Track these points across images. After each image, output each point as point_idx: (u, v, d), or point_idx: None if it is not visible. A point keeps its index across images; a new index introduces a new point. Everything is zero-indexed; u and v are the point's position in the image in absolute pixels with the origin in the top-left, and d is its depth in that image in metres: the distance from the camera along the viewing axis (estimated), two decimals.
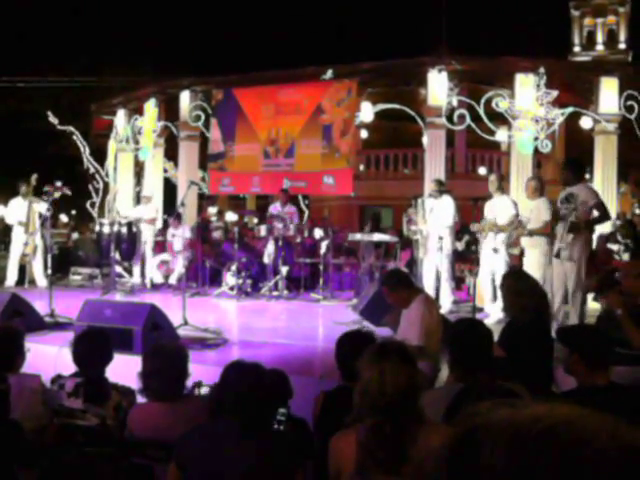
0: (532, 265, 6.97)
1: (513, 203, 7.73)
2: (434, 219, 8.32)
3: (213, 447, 2.47)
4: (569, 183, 6.51)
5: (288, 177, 11.98)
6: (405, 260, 10.06)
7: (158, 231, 11.39)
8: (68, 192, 8.77)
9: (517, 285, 4.20)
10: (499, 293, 7.47)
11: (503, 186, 8.00)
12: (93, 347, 3.57)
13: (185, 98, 13.20)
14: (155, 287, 10.54)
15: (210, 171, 13.09)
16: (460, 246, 9.69)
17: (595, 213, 6.48)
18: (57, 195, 8.55)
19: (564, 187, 6.62)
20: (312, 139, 11.88)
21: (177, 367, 3.16)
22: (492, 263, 7.62)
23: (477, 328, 3.18)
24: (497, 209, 7.64)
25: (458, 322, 3.60)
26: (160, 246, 11.26)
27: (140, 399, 3.33)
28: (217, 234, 12.70)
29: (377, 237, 9.45)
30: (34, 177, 10.49)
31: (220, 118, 12.76)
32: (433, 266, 8.37)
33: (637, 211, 16.20)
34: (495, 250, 7.37)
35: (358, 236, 9.78)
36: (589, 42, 44.65)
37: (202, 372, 4.70)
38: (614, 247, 8.61)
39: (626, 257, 8.38)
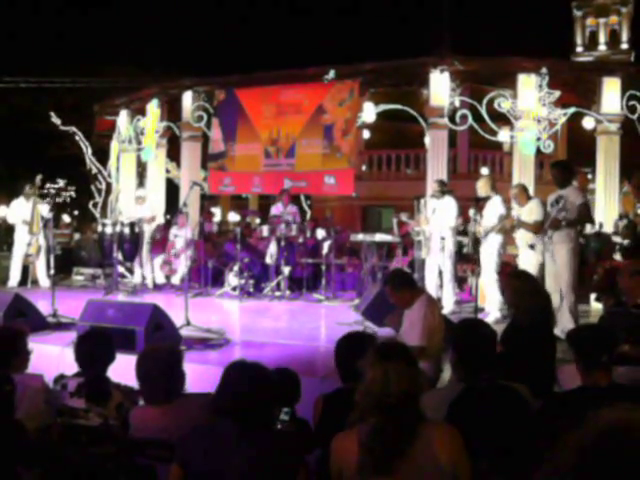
0: (527, 265, 6.97)
1: (503, 203, 7.70)
2: (436, 220, 8.31)
3: (215, 447, 2.48)
4: (558, 185, 6.53)
5: (289, 177, 11.98)
6: (407, 260, 10.06)
7: (156, 228, 11.31)
8: (60, 194, 8.77)
9: (522, 286, 4.20)
10: (493, 292, 7.50)
11: (495, 187, 7.91)
12: (95, 347, 3.57)
13: (187, 99, 13.21)
14: (158, 287, 10.55)
15: (210, 170, 13.09)
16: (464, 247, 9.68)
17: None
18: (59, 199, 8.59)
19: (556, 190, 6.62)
20: (313, 139, 11.88)
21: (168, 371, 3.11)
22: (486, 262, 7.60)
23: (481, 329, 3.18)
24: (489, 209, 7.64)
25: (462, 322, 3.60)
26: (159, 245, 11.22)
27: (142, 400, 3.33)
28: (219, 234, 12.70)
29: (379, 237, 9.45)
30: (38, 178, 10.52)
31: (221, 118, 12.78)
32: (435, 266, 8.37)
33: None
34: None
35: (360, 236, 9.76)
36: (591, 42, 44.53)
37: (204, 372, 4.72)
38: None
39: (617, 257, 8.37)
